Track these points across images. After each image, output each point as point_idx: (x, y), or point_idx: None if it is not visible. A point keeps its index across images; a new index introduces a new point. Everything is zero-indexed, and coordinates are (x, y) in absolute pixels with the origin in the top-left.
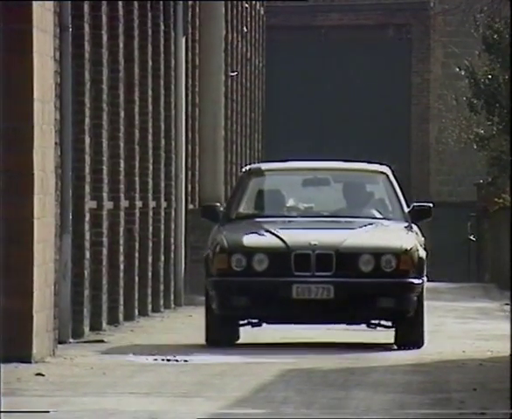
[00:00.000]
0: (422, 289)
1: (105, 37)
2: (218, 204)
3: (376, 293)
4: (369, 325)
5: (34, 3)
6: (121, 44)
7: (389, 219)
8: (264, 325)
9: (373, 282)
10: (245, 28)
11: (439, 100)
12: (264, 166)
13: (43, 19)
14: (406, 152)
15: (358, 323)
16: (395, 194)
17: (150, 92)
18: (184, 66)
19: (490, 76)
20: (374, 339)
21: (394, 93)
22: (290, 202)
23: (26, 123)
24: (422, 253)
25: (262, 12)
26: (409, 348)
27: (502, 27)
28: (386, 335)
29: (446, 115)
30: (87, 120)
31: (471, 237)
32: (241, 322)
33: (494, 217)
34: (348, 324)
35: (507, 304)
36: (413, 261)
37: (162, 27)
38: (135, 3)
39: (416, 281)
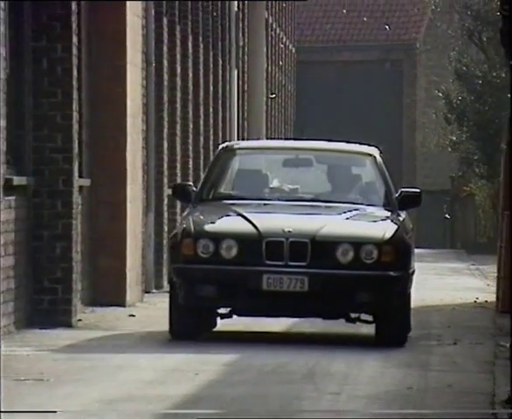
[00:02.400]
0: (407, 282)
1: (178, 69)
2: (191, 183)
3: (354, 287)
4: (347, 319)
5: (128, 45)
6: (190, 74)
7: (374, 205)
8: (234, 316)
9: (352, 274)
10: (280, 62)
11: (423, 115)
12: (242, 144)
13: (134, 57)
14: (399, 153)
15: (335, 318)
16: (382, 178)
17: (211, 110)
18: (236, 90)
19: (460, 98)
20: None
21: (390, 110)
22: (268, 184)
23: (122, 132)
24: (408, 243)
25: (294, 51)
26: (390, 345)
27: (469, 62)
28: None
29: (429, 126)
30: (165, 130)
31: (446, 216)
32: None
33: (463, 201)
34: (324, 318)
35: (473, 264)
36: (397, 252)
37: (221, 62)
38: (201, 44)
39: (399, 274)
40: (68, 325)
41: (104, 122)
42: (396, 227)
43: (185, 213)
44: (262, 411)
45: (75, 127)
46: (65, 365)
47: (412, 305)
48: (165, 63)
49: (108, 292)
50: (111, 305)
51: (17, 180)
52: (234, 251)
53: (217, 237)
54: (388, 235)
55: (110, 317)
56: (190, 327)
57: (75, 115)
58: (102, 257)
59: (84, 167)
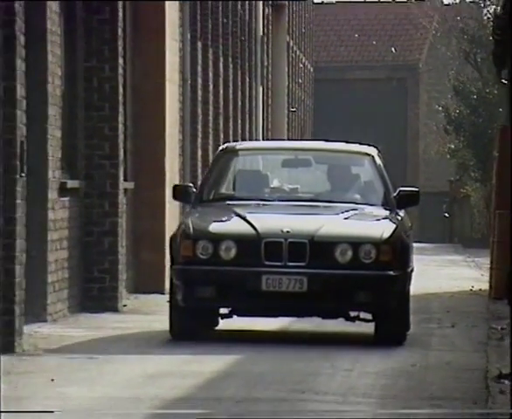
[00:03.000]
0: (406, 281)
1: (210, 86)
2: (191, 184)
3: (353, 287)
4: (347, 318)
5: (167, 65)
6: (221, 91)
7: (373, 205)
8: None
9: (350, 274)
10: (300, 80)
11: (425, 127)
12: (241, 145)
13: (172, 75)
14: (404, 160)
15: (334, 317)
16: (381, 178)
17: (239, 122)
18: (261, 105)
19: (458, 111)
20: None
21: (396, 122)
22: (267, 185)
23: (161, 141)
24: (406, 242)
25: (311, 70)
26: (389, 345)
27: (465, 80)
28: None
29: (430, 136)
30: (199, 140)
31: (445, 214)
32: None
33: (460, 202)
34: (323, 318)
35: (468, 257)
36: (395, 251)
37: (248, 80)
38: (230, 64)
39: (398, 273)
40: (115, 309)
41: (146, 132)
42: (394, 226)
43: (185, 214)
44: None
45: (121, 136)
46: (111, 345)
47: (415, 292)
48: (199, 80)
49: (149, 281)
50: (152, 293)
51: (71, 183)
52: (233, 252)
53: (216, 238)
54: (386, 234)
55: (151, 303)
56: (189, 328)
57: (121, 127)
58: (144, 250)
59: (128, 171)
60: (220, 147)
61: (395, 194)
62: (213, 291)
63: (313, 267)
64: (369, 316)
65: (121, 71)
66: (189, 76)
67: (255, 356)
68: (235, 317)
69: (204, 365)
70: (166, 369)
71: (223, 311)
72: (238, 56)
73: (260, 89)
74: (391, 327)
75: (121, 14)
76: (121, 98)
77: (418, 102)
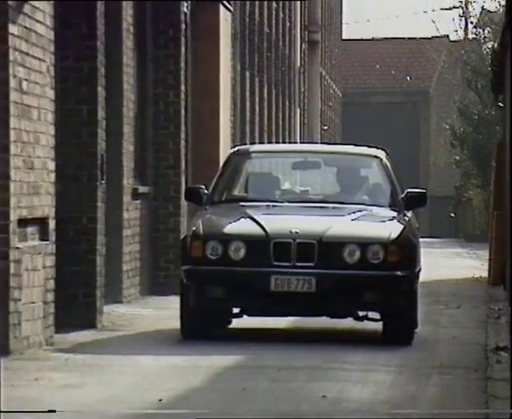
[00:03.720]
0: (413, 281)
1: (257, 109)
2: (203, 186)
3: (361, 287)
4: (355, 317)
5: (221, 91)
6: (266, 112)
7: (381, 206)
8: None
9: (358, 274)
10: (330, 103)
11: (435, 142)
12: (252, 147)
13: (225, 100)
14: (417, 170)
15: (343, 317)
16: (389, 179)
17: (281, 138)
18: (298, 124)
19: (462, 129)
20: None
21: (410, 138)
22: (277, 186)
23: (216, 155)
24: (414, 243)
25: (340, 95)
26: (397, 344)
27: (468, 103)
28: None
29: (439, 150)
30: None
31: (451, 214)
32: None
33: (464, 204)
34: (331, 317)
35: (471, 250)
36: (403, 252)
37: (287, 103)
38: (273, 90)
39: (406, 273)
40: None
41: (203, 147)
42: (402, 227)
43: (196, 215)
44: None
45: (182, 150)
46: (176, 323)
47: (426, 279)
48: (247, 104)
49: None
50: None
51: (142, 189)
52: (242, 253)
53: (226, 239)
54: (394, 235)
55: None
56: (200, 328)
57: (182, 142)
58: None
59: (189, 179)
60: (232, 150)
61: (403, 195)
62: (223, 292)
63: (321, 267)
64: (377, 315)
65: (183, 96)
66: (239, 100)
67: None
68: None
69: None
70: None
71: (234, 310)
72: (279, 83)
73: (298, 111)
74: (399, 327)
75: (183, 49)
76: (182, 118)
77: (429, 122)
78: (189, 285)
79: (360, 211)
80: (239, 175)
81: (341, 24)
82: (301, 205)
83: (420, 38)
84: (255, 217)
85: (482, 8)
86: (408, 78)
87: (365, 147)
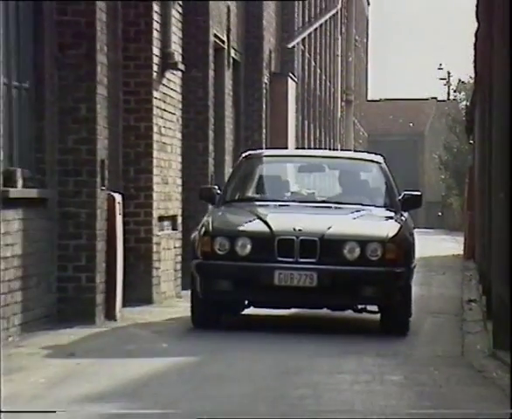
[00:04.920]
0: (409, 277)
1: (312, 145)
2: (216, 186)
3: (360, 282)
4: (354, 310)
5: (290, 131)
6: (317, 147)
7: (379, 206)
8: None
9: (358, 270)
10: (360, 140)
11: (428, 168)
12: (261, 152)
13: (291, 137)
14: (415, 186)
15: (343, 309)
16: (387, 182)
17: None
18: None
19: (446, 158)
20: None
21: (412, 165)
22: (284, 187)
23: None
24: (410, 241)
25: (366, 135)
26: (393, 333)
27: (450, 141)
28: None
29: (431, 173)
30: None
31: (439, 213)
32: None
33: (447, 207)
34: (332, 310)
35: (452, 237)
36: (400, 249)
37: (332, 141)
38: (323, 133)
39: (402, 269)
40: None
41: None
42: (399, 226)
43: (208, 213)
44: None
45: None
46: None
47: (422, 255)
48: (306, 142)
49: None
50: None
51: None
52: (248, 248)
53: (233, 235)
54: (391, 234)
55: None
56: (209, 317)
57: None
58: None
59: None
60: (243, 154)
61: (400, 197)
62: (230, 285)
63: (323, 263)
64: (375, 308)
65: (264, 136)
66: (300, 139)
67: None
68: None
69: None
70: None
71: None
72: (326, 128)
73: (339, 146)
74: (395, 319)
75: (264, 106)
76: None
77: (424, 153)
78: (198, 277)
79: (360, 211)
80: (249, 177)
81: (366, 89)
82: (306, 205)
83: (418, 99)
84: (261, 216)
85: (459, 80)
86: (411, 124)
87: (366, 153)
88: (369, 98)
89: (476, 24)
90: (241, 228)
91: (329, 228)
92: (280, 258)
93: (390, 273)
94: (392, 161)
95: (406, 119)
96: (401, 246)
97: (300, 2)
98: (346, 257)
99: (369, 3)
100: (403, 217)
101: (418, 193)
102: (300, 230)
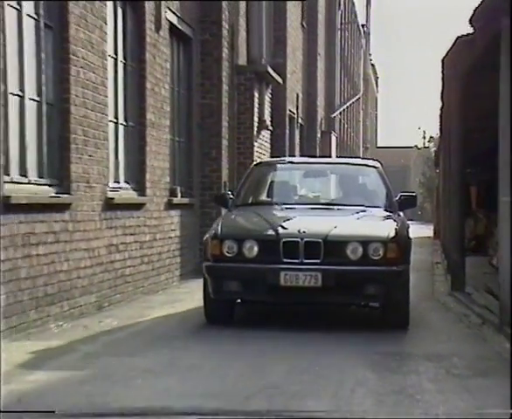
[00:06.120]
0: (408, 274)
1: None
2: (229, 192)
3: (363, 281)
4: (357, 306)
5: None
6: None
7: (378, 207)
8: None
9: (361, 270)
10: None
11: (413, 187)
12: (271, 160)
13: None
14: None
15: (346, 306)
16: (384, 185)
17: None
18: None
19: (423, 181)
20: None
21: (401, 186)
22: (291, 192)
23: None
24: (408, 240)
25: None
26: (394, 329)
27: (425, 170)
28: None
29: (415, 189)
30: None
31: (419, 212)
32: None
33: (424, 208)
34: (336, 307)
35: (428, 226)
36: (400, 248)
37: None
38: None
39: (402, 268)
40: None
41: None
42: (398, 226)
43: (219, 218)
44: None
45: None
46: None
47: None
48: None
49: None
50: None
51: None
52: (255, 251)
53: (240, 238)
54: (392, 233)
55: None
56: (221, 315)
57: None
58: None
59: None
60: (254, 163)
61: (397, 198)
62: (238, 286)
63: (326, 264)
64: (376, 304)
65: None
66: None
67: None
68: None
69: None
70: None
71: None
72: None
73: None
74: (396, 315)
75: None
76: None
77: (410, 178)
78: (208, 278)
79: (361, 212)
80: (259, 183)
81: (376, 140)
82: (311, 207)
83: (406, 147)
84: (267, 219)
85: (430, 136)
86: (402, 160)
87: (365, 159)
88: (378, 145)
89: (441, 103)
90: (248, 231)
91: (332, 229)
92: (285, 260)
93: (391, 272)
94: (391, 182)
95: (399, 157)
96: (401, 245)
97: (338, 88)
98: (349, 257)
99: (377, 91)
100: (400, 217)
101: (414, 194)
102: (304, 232)
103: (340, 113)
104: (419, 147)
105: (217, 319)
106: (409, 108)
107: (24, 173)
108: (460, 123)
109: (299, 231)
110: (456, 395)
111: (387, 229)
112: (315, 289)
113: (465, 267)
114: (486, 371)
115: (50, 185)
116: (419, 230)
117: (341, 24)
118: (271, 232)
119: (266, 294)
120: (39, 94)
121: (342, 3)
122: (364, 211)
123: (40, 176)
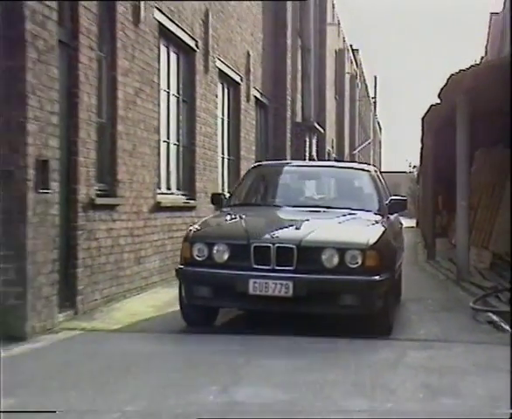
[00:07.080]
0: (391, 284)
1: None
2: (224, 192)
3: (339, 291)
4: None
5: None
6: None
7: (368, 211)
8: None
9: (336, 279)
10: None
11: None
12: (267, 162)
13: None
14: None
15: (320, 317)
16: (376, 189)
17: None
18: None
19: (411, 191)
20: None
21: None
22: (281, 193)
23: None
24: (393, 246)
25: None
26: (375, 337)
27: (413, 185)
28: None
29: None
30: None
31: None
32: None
33: (409, 209)
34: (309, 318)
35: (412, 220)
36: (380, 256)
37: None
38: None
39: (384, 277)
40: None
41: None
42: (382, 231)
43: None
44: None
45: None
46: None
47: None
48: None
49: None
50: None
51: None
52: (226, 255)
53: (211, 242)
54: (372, 240)
55: None
56: (197, 318)
57: None
58: None
59: None
60: (252, 165)
61: (387, 201)
62: (208, 291)
63: (300, 272)
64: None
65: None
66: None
67: None
68: None
69: None
70: None
71: None
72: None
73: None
74: (376, 325)
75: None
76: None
77: (401, 192)
78: (180, 282)
79: (348, 215)
80: (254, 184)
81: (380, 165)
82: (298, 209)
83: (400, 171)
84: (242, 221)
85: (414, 165)
86: (395, 181)
87: (358, 164)
88: (381, 170)
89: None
90: (219, 234)
91: (308, 235)
92: (256, 266)
93: (369, 281)
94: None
95: (394, 178)
96: (382, 252)
97: (357, 135)
98: (324, 264)
99: (381, 133)
100: (389, 221)
101: (404, 197)
102: (276, 236)
103: (358, 151)
104: (407, 172)
105: (192, 322)
106: (401, 147)
107: (168, 187)
108: (432, 158)
109: (271, 236)
110: (430, 323)
111: (368, 235)
112: (286, 299)
113: (435, 245)
114: (449, 308)
115: (183, 195)
116: (407, 223)
117: (358, 96)
118: (241, 235)
119: (235, 302)
120: (178, 141)
121: (359, 82)
122: (353, 214)
123: (178, 189)
